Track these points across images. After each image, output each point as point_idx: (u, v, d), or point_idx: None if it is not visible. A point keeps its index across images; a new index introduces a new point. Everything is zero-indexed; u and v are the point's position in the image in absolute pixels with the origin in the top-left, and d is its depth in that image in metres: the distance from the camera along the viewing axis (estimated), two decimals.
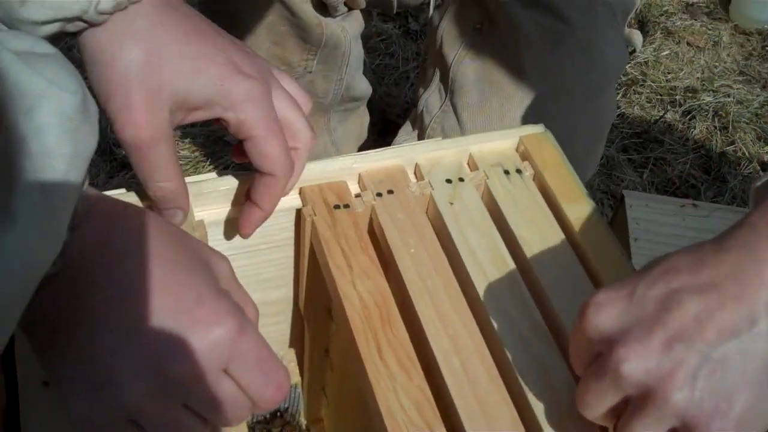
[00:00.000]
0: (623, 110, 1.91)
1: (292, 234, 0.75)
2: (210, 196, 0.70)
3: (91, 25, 0.54)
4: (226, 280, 0.55)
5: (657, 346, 0.48)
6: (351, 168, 0.73)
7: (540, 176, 0.74)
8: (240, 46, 0.62)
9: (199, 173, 0.74)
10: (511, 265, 0.68)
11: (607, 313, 0.51)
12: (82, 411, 0.49)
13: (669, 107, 1.93)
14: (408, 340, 0.62)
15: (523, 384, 0.60)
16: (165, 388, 0.49)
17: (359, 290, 0.65)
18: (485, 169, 0.75)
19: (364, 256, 0.68)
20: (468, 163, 0.76)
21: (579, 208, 0.72)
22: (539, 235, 0.70)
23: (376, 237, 0.71)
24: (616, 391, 0.50)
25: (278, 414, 0.64)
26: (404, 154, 0.75)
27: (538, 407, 0.59)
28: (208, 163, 1.71)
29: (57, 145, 0.44)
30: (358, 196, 0.72)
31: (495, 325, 0.63)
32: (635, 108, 1.93)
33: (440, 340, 0.62)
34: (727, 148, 1.85)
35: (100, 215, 0.51)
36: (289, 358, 0.59)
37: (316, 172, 0.72)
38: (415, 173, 0.75)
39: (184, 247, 0.54)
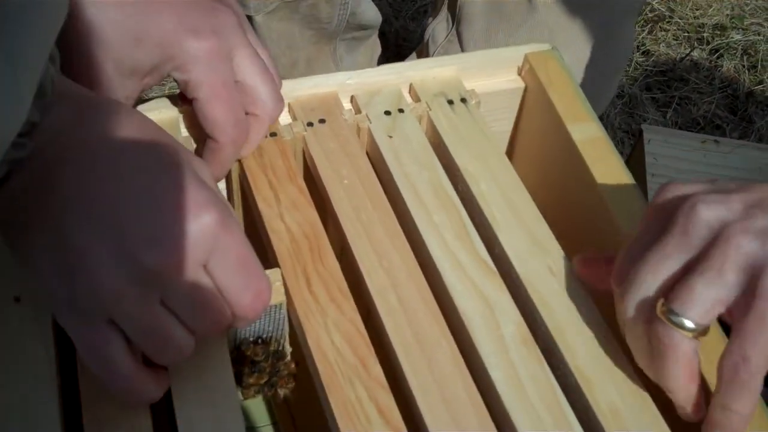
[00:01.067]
0: (648, 47, 1.85)
1: None
2: None
3: None
4: (209, 180, 0.51)
5: (736, 203, 0.49)
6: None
7: (544, 94, 0.69)
8: (204, 3, 0.58)
9: None
10: (455, 199, 0.63)
11: (687, 186, 0.52)
12: (57, 305, 0.47)
13: (696, 45, 1.87)
14: (339, 273, 0.58)
15: (464, 320, 0.55)
16: (141, 278, 0.45)
17: (287, 222, 0.60)
18: (427, 99, 0.70)
19: (292, 187, 0.63)
20: (409, 93, 0.71)
21: (584, 128, 0.67)
22: (485, 168, 0.65)
23: (308, 169, 0.66)
24: (682, 245, 0.49)
25: (260, 340, 0.59)
26: (338, 80, 0.69)
27: (481, 342, 0.54)
28: None
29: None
30: (288, 123, 0.67)
31: (436, 260, 0.59)
32: (661, 45, 1.87)
33: (376, 275, 0.58)
34: (755, 87, 1.79)
35: (72, 99, 0.49)
36: (274, 277, 0.55)
37: None
38: (351, 103, 0.70)
39: (164, 137, 0.51)
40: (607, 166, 0.64)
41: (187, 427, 0.50)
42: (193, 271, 0.47)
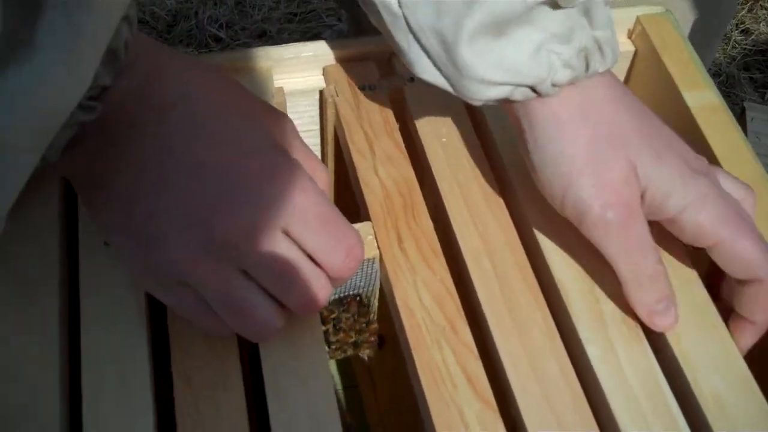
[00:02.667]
0: (747, 26, 1.78)
1: (316, 119, 0.68)
2: (291, 63, 0.64)
3: (539, 95, 0.48)
4: (288, 137, 0.50)
5: None
6: (381, 48, 0.65)
7: (657, 59, 0.65)
8: (677, 140, 0.52)
9: None
10: None
11: None
12: (132, 267, 0.47)
13: None
14: (432, 231, 0.55)
15: (561, 292, 0.52)
16: (214, 248, 0.44)
17: (381, 176, 0.58)
18: None
19: (388, 141, 0.60)
20: None
21: (701, 96, 0.63)
22: None
23: (406, 124, 0.63)
24: None
25: (357, 297, 0.57)
26: None
27: (578, 316, 0.51)
28: None
29: None
30: (387, 77, 0.64)
31: (534, 227, 0.55)
32: (761, 24, 1.79)
33: (470, 237, 0.55)
34: None
35: (147, 61, 0.47)
36: (366, 231, 0.54)
37: (341, 50, 0.64)
38: None
39: (239, 98, 0.49)
40: (725, 136, 0.60)
41: (272, 381, 0.48)
42: (270, 238, 0.45)
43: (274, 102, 0.61)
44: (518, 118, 0.50)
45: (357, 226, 0.55)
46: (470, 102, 0.50)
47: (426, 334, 0.50)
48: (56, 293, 0.50)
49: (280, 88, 0.62)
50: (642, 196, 0.48)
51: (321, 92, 0.65)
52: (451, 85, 0.49)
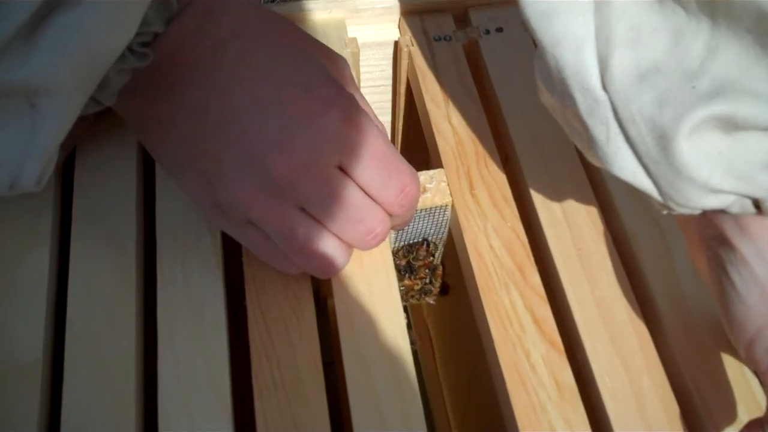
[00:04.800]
0: None
1: (387, 73, 0.69)
2: (365, 14, 0.64)
3: (760, 212, 0.40)
4: (344, 77, 0.49)
5: None
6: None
7: None
8: None
9: None
10: None
11: None
12: (202, 206, 0.48)
13: None
14: (504, 179, 0.55)
15: (631, 242, 0.52)
16: (273, 186, 0.44)
17: (454, 124, 0.58)
18: None
19: (462, 91, 0.60)
20: None
21: None
22: None
23: (480, 76, 0.63)
24: None
25: (425, 243, 0.57)
26: None
27: (648, 266, 0.51)
28: None
29: None
30: (463, 29, 0.64)
31: (606, 178, 0.55)
32: None
33: (541, 185, 0.55)
34: None
35: (199, 5, 0.46)
36: (439, 178, 0.54)
37: (416, 2, 0.65)
38: None
39: (295, 37, 0.48)
40: None
41: (345, 321, 0.49)
42: (324, 173, 0.44)
43: (348, 51, 0.62)
44: (724, 230, 0.41)
45: (430, 172, 0.55)
46: (677, 211, 0.41)
47: (494, 278, 0.50)
48: (133, 232, 0.51)
49: (354, 38, 0.63)
50: None
51: (396, 43, 0.65)
52: (659, 187, 0.40)
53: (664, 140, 0.38)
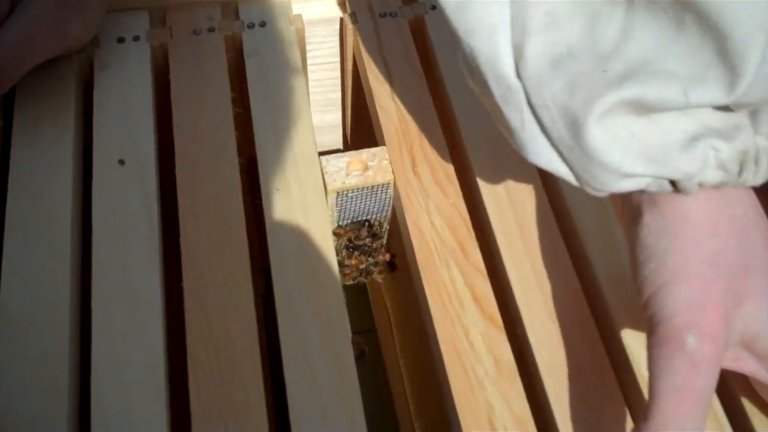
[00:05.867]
0: None
1: (335, 50, 0.68)
2: None
3: (676, 190, 0.40)
4: None
5: None
6: None
7: None
8: None
9: None
10: None
11: None
12: None
13: None
14: (448, 157, 0.55)
15: (573, 215, 0.52)
16: None
17: (397, 102, 0.58)
18: None
19: (407, 68, 0.60)
20: None
21: None
22: None
23: (426, 52, 0.63)
24: None
25: (366, 222, 0.57)
26: None
27: (589, 240, 0.51)
28: None
29: None
30: (409, 4, 0.64)
31: None
32: None
33: (484, 161, 0.55)
34: None
35: None
36: (381, 156, 0.54)
37: None
38: None
39: None
40: None
41: (285, 306, 0.48)
42: None
43: (293, 29, 0.61)
44: (639, 202, 0.41)
45: (372, 150, 0.55)
46: (593, 193, 0.41)
47: (435, 255, 0.50)
48: (69, 211, 0.50)
49: (299, 15, 0.62)
50: (749, 345, 0.40)
51: (341, 20, 0.64)
52: (574, 172, 0.40)
53: (576, 126, 0.37)
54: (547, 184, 0.54)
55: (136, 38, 0.58)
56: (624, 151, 0.38)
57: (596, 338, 0.47)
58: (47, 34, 0.53)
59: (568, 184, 0.50)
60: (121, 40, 0.58)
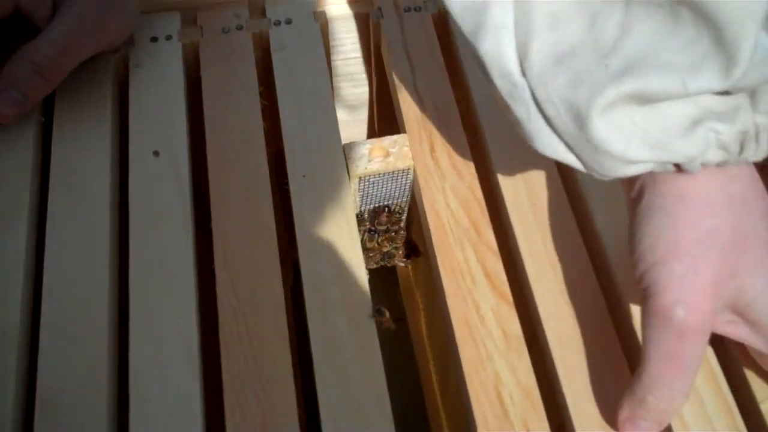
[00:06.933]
0: None
1: (357, 46, 0.71)
2: None
3: (680, 171, 0.42)
4: None
5: None
6: None
7: None
8: None
9: None
10: None
11: None
12: None
13: None
14: (465, 143, 0.57)
15: (587, 195, 0.54)
16: None
17: (419, 92, 0.60)
18: None
19: (429, 60, 0.62)
20: None
21: None
22: None
23: (449, 44, 0.65)
24: None
25: (386, 207, 0.60)
26: None
27: (600, 220, 0.53)
28: None
29: None
30: None
31: None
32: None
33: (502, 147, 0.57)
34: None
35: None
36: (401, 142, 0.57)
37: None
38: None
39: None
40: None
41: (312, 283, 0.51)
42: None
43: (317, 24, 0.63)
44: (642, 180, 0.43)
45: (393, 138, 0.57)
46: (600, 178, 0.43)
47: (450, 235, 0.52)
48: (107, 200, 0.54)
49: (323, 12, 0.65)
50: (741, 313, 0.43)
51: (368, 15, 0.67)
52: (581, 160, 0.42)
53: (580, 118, 0.40)
54: (559, 164, 0.56)
55: (169, 37, 0.61)
56: (628, 140, 0.40)
57: (604, 311, 0.49)
58: (89, 34, 0.57)
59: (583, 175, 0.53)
60: (154, 39, 0.61)
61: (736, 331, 0.43)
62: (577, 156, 0.42)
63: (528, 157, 0.56)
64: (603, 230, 0.52)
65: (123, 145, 0.57)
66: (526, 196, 0.54)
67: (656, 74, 0.38)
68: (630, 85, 0.39)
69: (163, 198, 0.54)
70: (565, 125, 0.41)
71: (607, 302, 0.50)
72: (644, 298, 0.42)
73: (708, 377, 0.47)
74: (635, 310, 0.49)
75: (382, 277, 0.83)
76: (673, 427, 0.45)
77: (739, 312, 0.42)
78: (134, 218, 0.53)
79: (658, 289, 0.41)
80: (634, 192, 0.44)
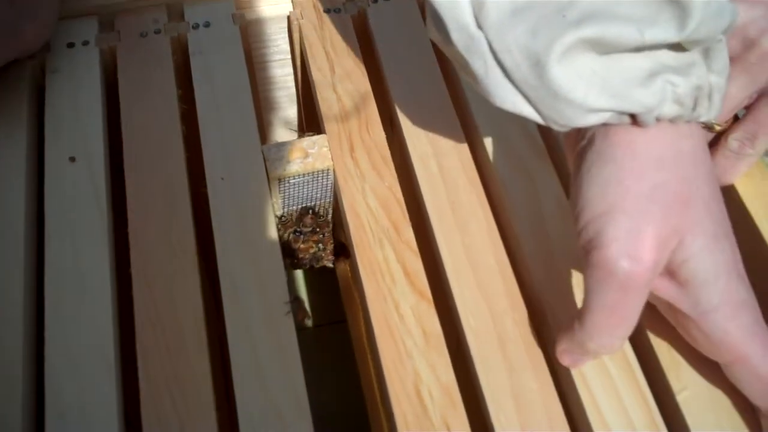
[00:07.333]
0: None
1: (284, 47, 0.70)
2: None
3: (635, 124, 0.43)
4: None
5: None
6: None
7: None
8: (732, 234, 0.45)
9: None
10: None
11: None
12: None
13: None
14: (384, 142, 0.57)
15: (504, 191, 0.54)
16: None
17: (338, 92, 0.60)
18: None
19: (349, 60, 0.63)
20: None
21: None
22: None
23: (368, 44, 0.65)
24: None
25: (310, 209, 0.60)
26: None
27: (518, 215, 0.53)
28: None
29: None
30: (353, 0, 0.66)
31: (481, 131, 0.58)
32: None
33: (419, 143, 0.57)
34: None
35: None
36: (321, 143, 0.57)
37: None
38: None
39: None
40: None
41: (229, 284, 0.51)
42: None
43: (236, 27, 0.63)
44: (594, 132, 0.44)
45: (313, 138, 0.57)
46: (558, 129, 0.43)
47: (369, 235, 0.53)
48: (22, 206, 0.53)
49: (241, 14, 0.65)
50: (673, 270, 0.43)
51: (288, 17, 0.67)
52: (539, 111, 0.43)
53: (539, 66, 0.41)
54: (478, 160, 0.56)
55: (86, 43, 0.61)
56: (587, 87, 0.41)
57: (522, 308, 0.50)
58: (2, 42, 0.56)
59: (497, 160, 0.54)
60: (71, 45, 0.61)
61: (665, 287, 0.44)
62: (536, 107, 0.43)
63: (447, 157, 0.56)
64: (521, 228, 0.53)
65: (40, 152, 0.56)
66: (446, 195, 0.54)
67: (614, 22, 0.40)
68: (588, 31, 0.40)
69: (79, 204, 0.53)
70: (524, 75, 0.41)
71: (524, 299, 0.50)
72: (587, 250, 0.42)
73: (625, 369, 0.48)
74: (553, 307, 0.49)
75: (322, 279, 0.82)
76: (591, 421, 0.46)
77: (674, 269, 0.43)
78: (50, 225, 0.53)
79: (603, 242, 0.41)
80: (584, 141, 0.44)
